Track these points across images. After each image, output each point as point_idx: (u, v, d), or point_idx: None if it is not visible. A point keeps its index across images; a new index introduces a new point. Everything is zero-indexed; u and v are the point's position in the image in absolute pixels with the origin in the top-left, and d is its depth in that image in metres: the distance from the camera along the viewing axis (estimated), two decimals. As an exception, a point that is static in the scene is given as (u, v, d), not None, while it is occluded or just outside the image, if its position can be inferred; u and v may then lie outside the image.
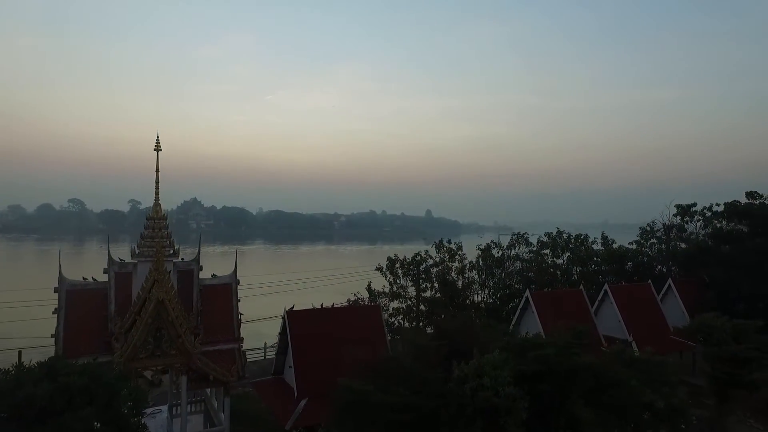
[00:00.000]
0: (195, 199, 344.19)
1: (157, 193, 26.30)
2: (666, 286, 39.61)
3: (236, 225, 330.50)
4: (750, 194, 42.01)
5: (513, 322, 32.68)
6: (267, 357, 43.30)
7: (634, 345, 33.21)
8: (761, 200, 38.47)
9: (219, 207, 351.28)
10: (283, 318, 23.69)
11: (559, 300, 32.88)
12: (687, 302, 38.96)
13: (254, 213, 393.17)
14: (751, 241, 35.61)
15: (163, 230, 26.06)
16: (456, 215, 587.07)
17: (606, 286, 36.01)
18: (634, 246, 54.25)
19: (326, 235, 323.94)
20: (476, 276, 42.22)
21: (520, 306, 32.02)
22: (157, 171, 26.41)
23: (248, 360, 42.76)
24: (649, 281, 38.32)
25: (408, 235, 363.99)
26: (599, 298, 36.59)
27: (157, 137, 26.19)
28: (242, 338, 27.67)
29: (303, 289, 74.21)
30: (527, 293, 31.57)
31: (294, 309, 25.06)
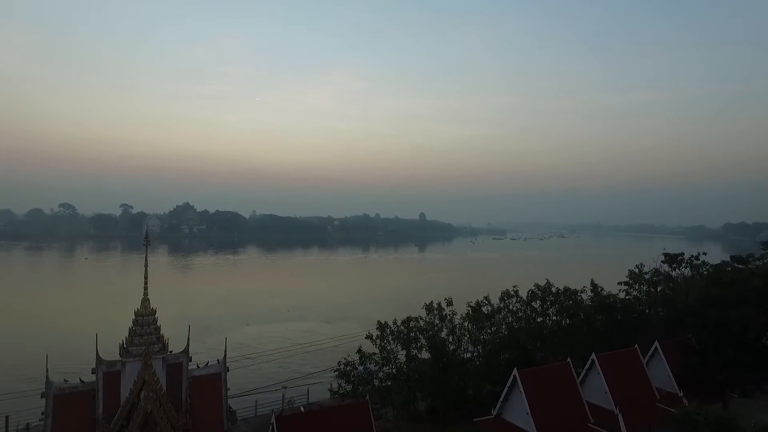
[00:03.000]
0: (188, 203, 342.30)
1: (146, 289, 26.27)
2: (653, 348, 40.12)
3: (229, 230, 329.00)
4: (734, 259, 42.83)
5: (501, 398, 33.00)
6: (258, 414, 43.33)
7: (620, 418, 33.70)
8: (747, 264, 39.15)
9: (212, 211, 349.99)
10: (271, 424, 23.80)
11: (546, 377, 33.26)
12: (673, 365, 39.51)
13: (247, 216, 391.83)
14: (736, 309, 36.28)
15: (151, 326, 26.06)
16: (449, 217, 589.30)
17: (593, 356, 36.40)
18: (623, 287, 55.07)
19: (320, 240, 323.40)
20: (466, 332, 42.54)
21: (508, 384, 32.34)
22: (146, 266, 26.45)
23: (238, 419, 42.87)
24: (636, 346, 38.80)
25: (402, 239, 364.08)
26: (587, 366, 36.99)
27: (147, 233, 26.25)
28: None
29: (291, 321, 74.00)
30: (515, 372, 31.88)
31: (282, 415, 25.15)
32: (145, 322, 25.99)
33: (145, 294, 26.19)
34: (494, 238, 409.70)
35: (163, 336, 26.76)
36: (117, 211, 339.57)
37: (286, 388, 46.72)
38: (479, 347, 44.15)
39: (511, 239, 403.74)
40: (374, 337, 37.00)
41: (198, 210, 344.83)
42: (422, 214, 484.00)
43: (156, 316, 26.67)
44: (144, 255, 26.26)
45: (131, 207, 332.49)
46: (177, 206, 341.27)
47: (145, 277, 26.23)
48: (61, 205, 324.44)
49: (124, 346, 25.92)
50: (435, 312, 40.01)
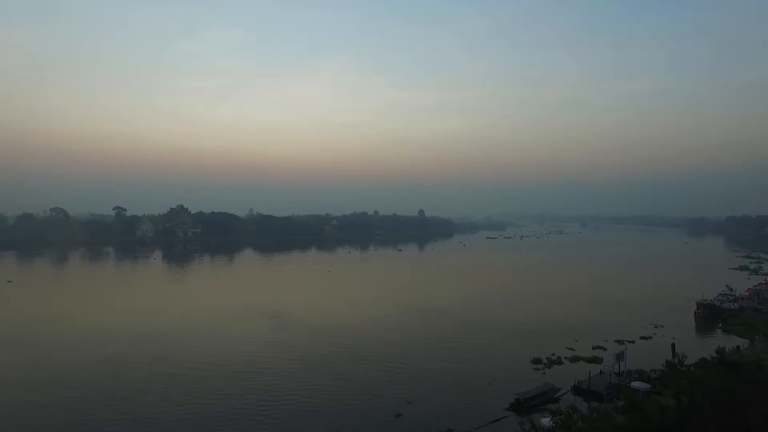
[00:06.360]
0: (182, 206, 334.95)
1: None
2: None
3: (224, 232, 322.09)
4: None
5: None
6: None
7: None
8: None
9: (207, 212, 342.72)
10: None
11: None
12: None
13: (243, 215, 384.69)
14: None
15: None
16: (448, 211, 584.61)
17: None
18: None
19: (318, 241, 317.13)
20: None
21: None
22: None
23: None
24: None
25: (401, 238, 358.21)
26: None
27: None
28: None
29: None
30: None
31: None
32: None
33: None
34: (487, 237, 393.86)
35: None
36: (110, 212, 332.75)
37: None
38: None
39: (504, 238, 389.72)
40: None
41: (193, 211, 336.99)
42: (421, 211, 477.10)
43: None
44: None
45: (125, 210, 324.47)
46: (171, 209, 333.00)
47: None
48: (52, 210, 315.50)
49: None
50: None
